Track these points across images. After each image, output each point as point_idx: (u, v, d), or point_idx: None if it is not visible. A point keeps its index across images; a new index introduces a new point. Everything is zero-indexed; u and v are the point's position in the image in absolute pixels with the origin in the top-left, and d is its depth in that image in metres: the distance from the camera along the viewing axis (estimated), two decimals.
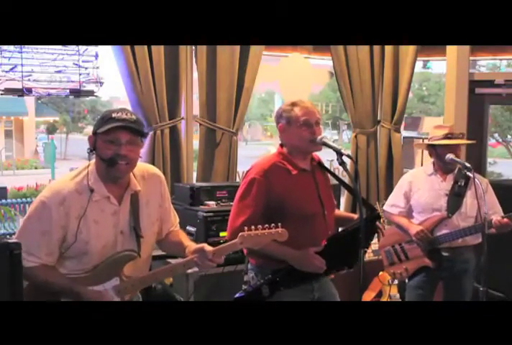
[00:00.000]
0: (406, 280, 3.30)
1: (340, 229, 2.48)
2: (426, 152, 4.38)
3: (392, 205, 3.22)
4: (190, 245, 2.09)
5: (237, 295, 2.35)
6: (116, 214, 2.00)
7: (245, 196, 2.33)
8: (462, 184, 3.06)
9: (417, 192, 3.13)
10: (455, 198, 3.05)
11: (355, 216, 2.54)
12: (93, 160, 2.01)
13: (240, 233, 1.95)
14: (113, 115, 1.93)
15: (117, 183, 2.01)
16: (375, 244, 4.05)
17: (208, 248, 1.97)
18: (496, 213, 2.97)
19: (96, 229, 1.96)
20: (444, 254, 3.05)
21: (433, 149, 3.10)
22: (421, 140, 4.59)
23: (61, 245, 1.95)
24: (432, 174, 3.14)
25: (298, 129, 2.34)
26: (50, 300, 1.91)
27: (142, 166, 2.13)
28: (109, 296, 1.97)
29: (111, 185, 1.99)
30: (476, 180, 2.75)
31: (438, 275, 3.11)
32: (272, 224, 1.96)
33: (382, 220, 3.90)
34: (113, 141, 1.92)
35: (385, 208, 3.29)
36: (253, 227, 1.95)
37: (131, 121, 1.94)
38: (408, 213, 3.18)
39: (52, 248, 1.95)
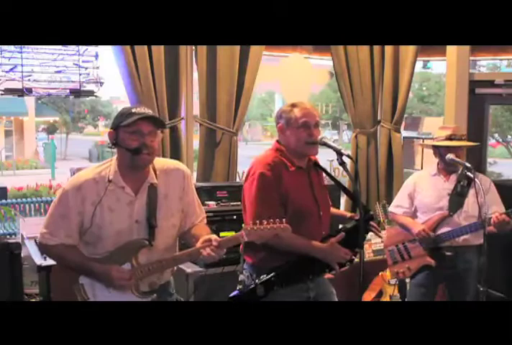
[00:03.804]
0: (407, 279, 3.31)
1: (335, 230, 2.48)
2: (426, 152, 4.39)
3: (397, 206, 3.26)
4: (200, 235, 2.15)
5: (232, 294, 2.35)
6: (132, 204, 2.11)
7: (261, 191, 2.29)
8: (465, 184, 3.08)
9: (421, 193, 3.17)
10: (457, 198, 3.08)
11: (348, 214, 2.59)
12: (116, 155, 2.15)
13: (244, 227, 2.01)
14: (134, 110, 2.08)
15: (136, 174, 2.12)
16: (375, 243, 4.06)
17: (215, 237, 2.06)
18: (497, 212, 2.93)
19: (110, 216, 2.09)
20: (447, 253, 3.06)
21: (437, 150, 3.15)
22: (421, 140, 4.60)
23: (80, 230, 2.12)
24: (436, 174, 3.19)
25: (296, 130, 2.34)
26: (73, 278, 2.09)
27: (165, 161, 2.26)
28: (118, 275, 2.05)
29: (129, 177, 2.12)
30: (477, 180, 2.76)
31: (441, 274, 3.12)
32: (277, 219, 2.01)
33: (382, 219, 3.93)
34: (137, 132, 2.05)
35: (390, 208, 3.35)
36: (257, 221, 1.99)
37: (150, 113, 2.10)
38: (414, 214, 3.21)
39: (70, 231, 2.11)
